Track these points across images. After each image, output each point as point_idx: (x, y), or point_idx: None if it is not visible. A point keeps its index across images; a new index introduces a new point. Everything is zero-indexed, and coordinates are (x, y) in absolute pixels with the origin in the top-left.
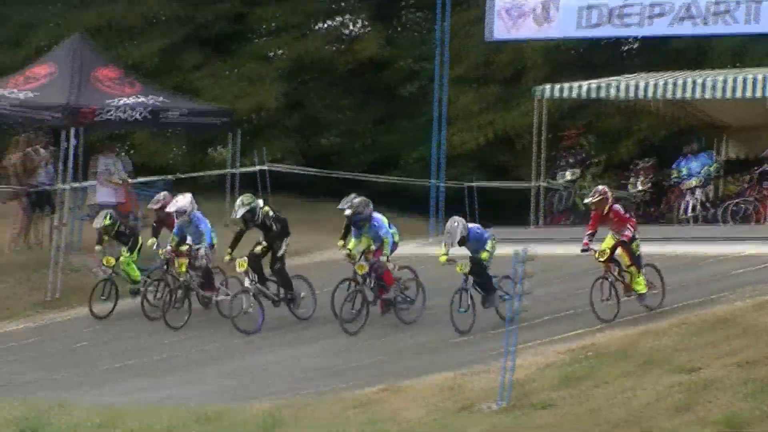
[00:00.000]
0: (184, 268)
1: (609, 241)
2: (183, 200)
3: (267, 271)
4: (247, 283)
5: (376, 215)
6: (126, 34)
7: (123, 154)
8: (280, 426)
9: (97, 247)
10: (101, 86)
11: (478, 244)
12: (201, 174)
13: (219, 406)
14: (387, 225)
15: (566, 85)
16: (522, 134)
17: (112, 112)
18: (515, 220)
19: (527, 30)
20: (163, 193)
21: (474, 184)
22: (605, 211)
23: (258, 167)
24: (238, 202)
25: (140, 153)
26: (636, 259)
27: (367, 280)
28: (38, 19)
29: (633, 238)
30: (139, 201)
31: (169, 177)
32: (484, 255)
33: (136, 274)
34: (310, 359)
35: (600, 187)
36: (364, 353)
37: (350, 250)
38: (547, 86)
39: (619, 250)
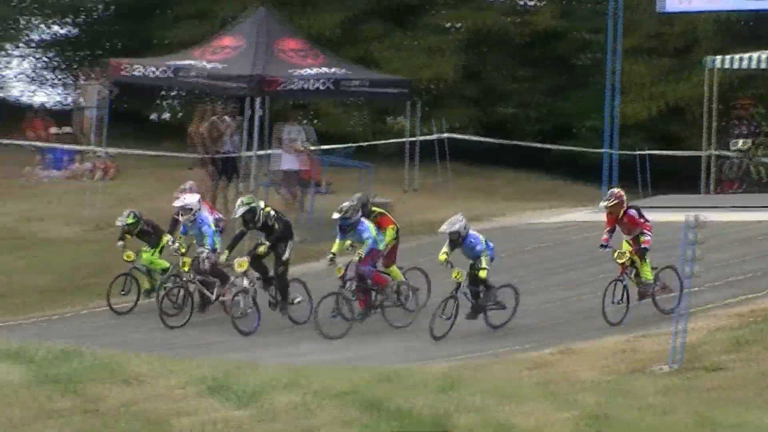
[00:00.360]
0: (187, 268)
1: (628, 245)
2: (190, 198)
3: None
4: (245, 283)
5: (364, 221)
6: (309, 6)
7: (306, 122)
8: (457, 386)
9: (119, 243)
10: (285, 57)
11: (471, 252)
12: (381, 142)
13: (398, 367)
14: (373, 230)
15: (737, 57)
16: (692, 105)
17: (296, 82)
18: (685, 187)
19: (698, 2)
20: (189, 183)
21: (646, 152)
22: (620, 215)
23: (437, 136)
24: (238, 201)
25: (324, 122)
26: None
27: (347, 284)
28: None
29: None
30: (323, 169)
31: (351, 145)
32: (483, 273)
33: (164, 263)
34: (475, 324)
35: (615, 191)
36: (538, 316)
37: (333, 254)
38: (718, 57)
39: (628, 251)
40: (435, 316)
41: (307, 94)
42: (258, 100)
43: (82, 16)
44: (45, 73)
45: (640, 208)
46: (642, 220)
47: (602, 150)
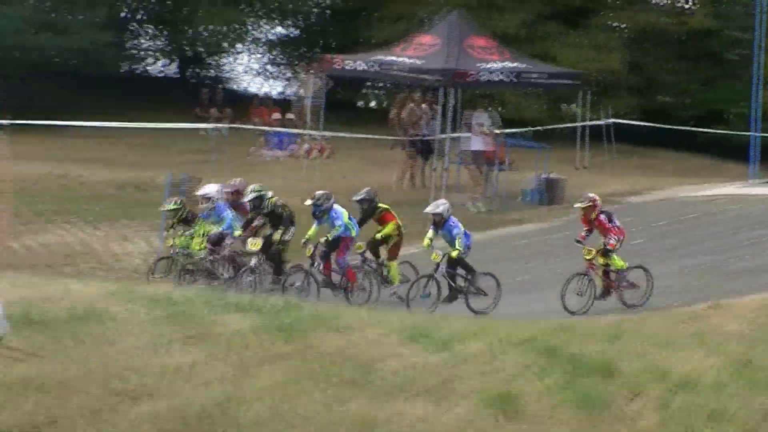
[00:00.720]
0: (199, 248)
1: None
2: (209, 188)
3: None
4: (253, 262)
5: (337, 207)
6: (495, 9)
7: (492, 109)
8: (621, 336)
9: (165, 233)
10: (474, 53)
11: (449, 235)
12: (556, 126)
13: (570, 320)
14: (345, 218)
15: None
16: None
17: (483, 75)
18: None
19: None
20: (238, 179)
21: None
22: (592, 217)
23: (604, 121)
24: (249, 188)
25: (507, 108)
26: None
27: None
28: None
29: (614, 249)
30: (506, 149)
31: (530, 129)
32: (454, 253)
33: (200, 245)
34: None
35: (591, 195)
36: (691, 277)
37: (307, 238)
38: None
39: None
40: (409, 291)
41: (493, 84)
42: (451, 90)
43: (302, 19)
44: (269, 67)
45: (612, 214)
46: (610, 225)
47: (749, 133)
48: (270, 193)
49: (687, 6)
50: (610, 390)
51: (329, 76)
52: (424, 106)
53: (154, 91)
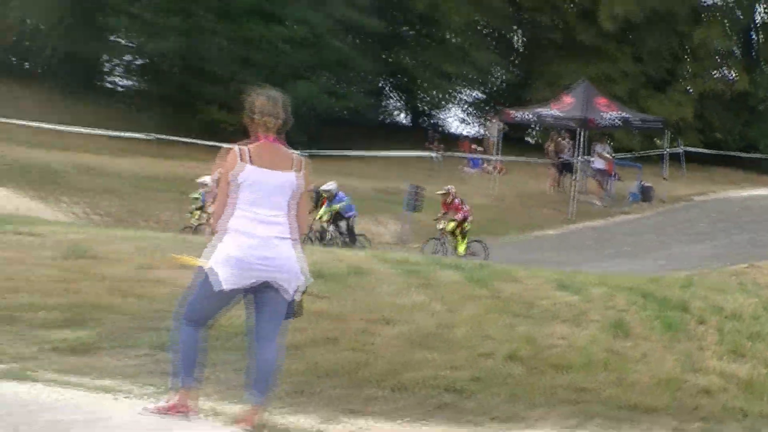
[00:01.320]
0: (193, 220)
1: (451, 223)
2: (208, 178)
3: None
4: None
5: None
6: (611, 79)
7: (608, 142)
8: (690, 285)
9: (188, 215)
10: (598, 107)
11: (338, 204)
12: (649, 153)
13: (655, 275)
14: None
15: None
16: None
17: (603, 121)
18: None
19: None
20: (449, 186)
21: None
22: (449, 202)
23: (680, 149)
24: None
25: (617, 142)
26: (463, 233)
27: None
28: (565, 71)
29: (464, 219)
30: (614, 166)
31: (629, 155)
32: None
33: None
34: (703, 252)
35: (449, 186)
36: (737, 246)
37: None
38: None
39: (452, 224)
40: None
41: (609, 127)
42: (583, 130)
43: (488, 87)
44: (469, 117)
45: (463, 200)
46: (463, 207)
47: None
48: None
49: (733, 76)
50: (685, 319)
51: (505, 122)
52: (566, 140)
53: (397, 133)
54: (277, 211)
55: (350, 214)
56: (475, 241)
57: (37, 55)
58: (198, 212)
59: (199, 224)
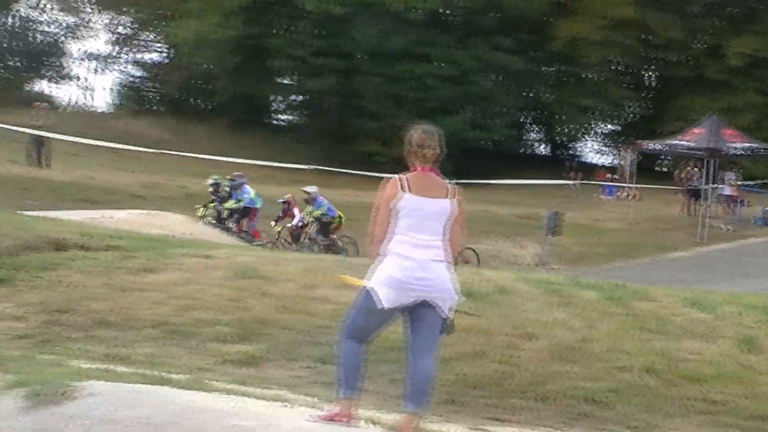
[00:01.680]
0: (200, 213)
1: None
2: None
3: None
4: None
5: (246, 187)
6: (736, 111)
7: (735, 170)
8: None
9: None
10: (726, 138)
11: (318, 208)
12: None
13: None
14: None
15: None
16: None
17: (730, 150)
18: None
19: None
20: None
21: None
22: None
23: None
24: (210, 179)
25: (744, 169)
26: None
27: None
28: (693, 105)
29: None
30: (739, 191)
31: (758, 182)
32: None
33: None
34: None
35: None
36: None
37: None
38: None
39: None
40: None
41: (736, 156)
42: (712, 160)
43: (623, 120)
44: (604, 148)
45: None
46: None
47: None
48: (225, 182)
49: None
50: None
51: (638, 152)
52: (695, 169)
53: (537, 163)
54: (433, 236)
55: (330, 215)
56: (467, 248)
57: (209, 94)
58: (202, 208)
59: (203, 217)
